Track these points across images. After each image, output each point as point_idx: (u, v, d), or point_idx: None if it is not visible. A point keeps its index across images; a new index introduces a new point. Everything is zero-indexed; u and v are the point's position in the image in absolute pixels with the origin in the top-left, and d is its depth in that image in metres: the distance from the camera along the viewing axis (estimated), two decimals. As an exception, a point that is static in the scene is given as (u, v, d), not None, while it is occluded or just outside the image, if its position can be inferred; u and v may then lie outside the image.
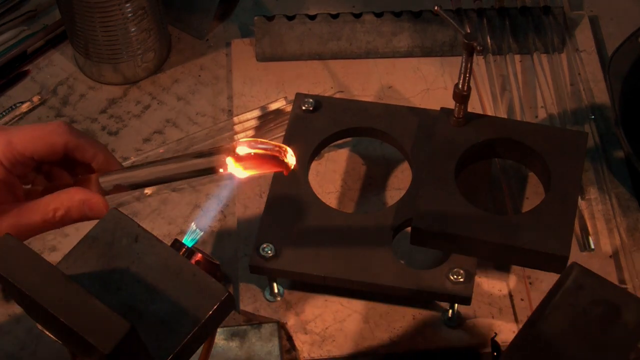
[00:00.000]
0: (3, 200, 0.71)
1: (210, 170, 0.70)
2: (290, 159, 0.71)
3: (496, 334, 0.89)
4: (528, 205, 0.96)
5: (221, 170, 0.70)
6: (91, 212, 0.70)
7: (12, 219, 0.69)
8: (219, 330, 0.86)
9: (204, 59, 1.11)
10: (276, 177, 0.91)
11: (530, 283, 0.91)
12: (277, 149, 0.71)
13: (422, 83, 1.07)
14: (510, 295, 0.91)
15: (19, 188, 0.73)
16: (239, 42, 1.11)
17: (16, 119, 1.06)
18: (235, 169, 0.70)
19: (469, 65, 0.84)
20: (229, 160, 0.70)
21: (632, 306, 0.68)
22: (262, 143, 0.70)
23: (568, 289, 0.69)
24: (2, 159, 0.70)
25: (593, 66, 1.07)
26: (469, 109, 0.90)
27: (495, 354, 0.87)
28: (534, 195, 0.97)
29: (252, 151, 0.70)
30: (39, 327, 0.66)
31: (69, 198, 0.70)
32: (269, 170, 0.71)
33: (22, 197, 0.74)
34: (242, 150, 0.70)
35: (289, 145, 0.92)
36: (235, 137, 1.02)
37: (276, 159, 0.70)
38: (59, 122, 0.72)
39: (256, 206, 0.97)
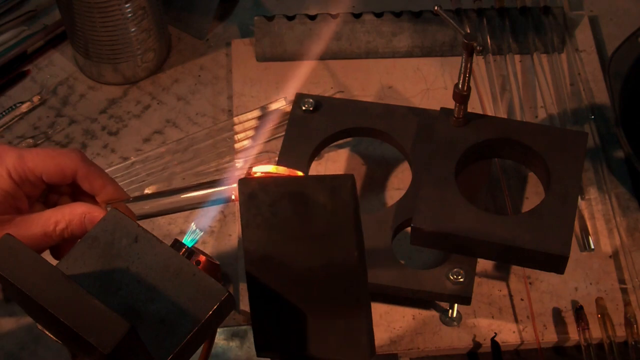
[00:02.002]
0: (7, 211, 0.71)
1: (221, 201, 0.71)
2: None
3: (496, 333, 0.89)
4: (528, 205, 0.96)
5: (233, 197, 0.71)
6: (92, 225, 0.70)
7: (12, 229, 0.70)
8: (219, 330, 0.86)
9: (204, 59, 1.11)
10: (276, 177, 0.91)
11: (530, 283, 0.91)
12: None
13: (422, 83, 1.07)
14: (510, 295, 0.91)
15: (25, 205, 0.73)
16: (239, 42, 1.11)
17: (16, 119, 1.06)
18: None
19: (468, 65, 0.84)
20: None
21: (314, 186, 0.65)
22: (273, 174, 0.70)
23: (244, 202, 0.66)
24: (12, 172, 0.71)
25: (593, 66, 1.07)
26: (469, 109, 0.90)
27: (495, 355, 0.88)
28: (534, 195, 0.97)
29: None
30: (39, 327, 0.66)
31: (70, 211, 0.70)
32: None
33: (27, 213, 0.74)
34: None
35: (288, 146, 0.93)
36: (236, 137, 1.02)
37: None
38: (73, 149, 0.74)
39: (256, 206, 0.97)
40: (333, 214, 0.65)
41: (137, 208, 0.74)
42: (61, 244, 0.74)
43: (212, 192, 0.71)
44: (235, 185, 0.69)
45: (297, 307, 0.67)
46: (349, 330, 0.67)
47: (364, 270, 0.66)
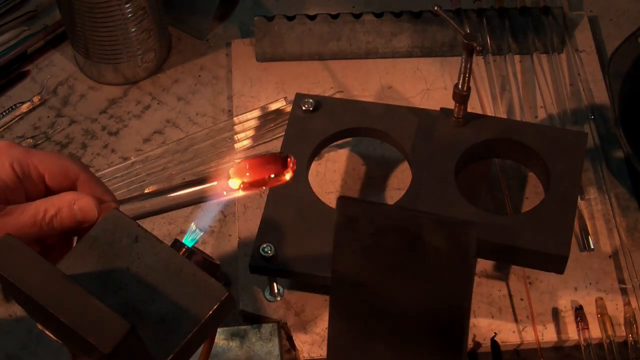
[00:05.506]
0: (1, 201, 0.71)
1: (211, 197, 0.71)
2: (290, 167, 0.71)
3: (496, 333, 0.89)
4: (528, 205, 0.96)
5: (224, 193, 0.71)
6: (81, 212, 0.70)
7: (1, 217, 0.69)
8: (219, 330, 0.86)
9: (204, 59, 1.11)
10: (276, 177, 0.91)
11: (529, 283, 0.92)
12: (275, 157, 0.70)
13: (422, 83, 1.07)
14: (510, 295, 0.91)
15: (22, 200, 0.73)
16: (239, 42, 1.11)
17: (16, 119, 1.06)
18: (236, 189, 0.70)
19: (468, 65, 0.84)
20: (230, 183, 0.70)
21: (430, 227, 0.63)
22: (255, 158, 0.70)
23: (341, 223, 0.65)
24: (15, 165, 0.71)
25: (592, 66, 1.07)
26: (469, 109, 0.90)
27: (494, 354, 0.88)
28: (534, 195, 0.97)
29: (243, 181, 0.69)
30: (39, 327, 0.66)
31: (59, 199, 0.70)
32: (270, 184, 0.71)
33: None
34: (238, 170, 0.70)
35: (288, 146, 0.93)
36: (236, 137, 1.02)
37: (276, 166, 0.70)
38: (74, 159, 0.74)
39: (256, 206, 0.97)
40: (448, 260, 0.63)
41: (138, 207, 0.74)
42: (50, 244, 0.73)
43: (202, 188, 0.71)
44: (226, 180, 0.69)
45: (385, 338, 0.65)
46: None
47: (468, 320, 0.64)
